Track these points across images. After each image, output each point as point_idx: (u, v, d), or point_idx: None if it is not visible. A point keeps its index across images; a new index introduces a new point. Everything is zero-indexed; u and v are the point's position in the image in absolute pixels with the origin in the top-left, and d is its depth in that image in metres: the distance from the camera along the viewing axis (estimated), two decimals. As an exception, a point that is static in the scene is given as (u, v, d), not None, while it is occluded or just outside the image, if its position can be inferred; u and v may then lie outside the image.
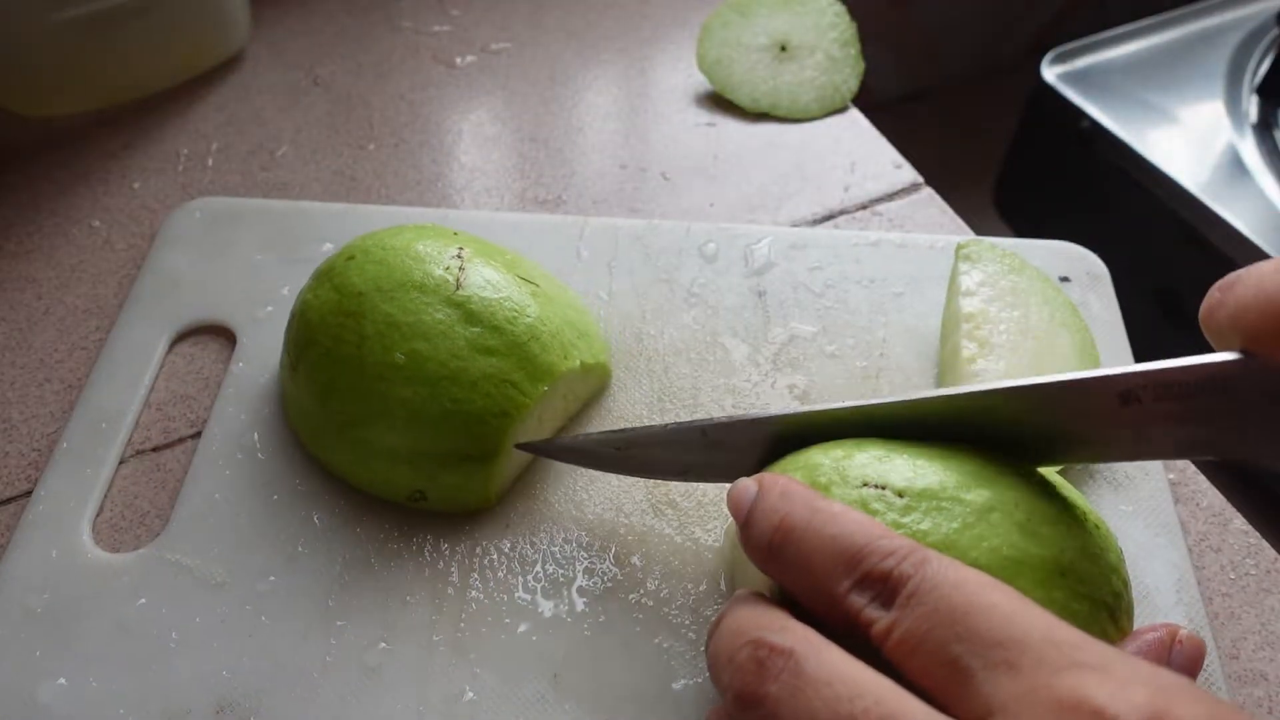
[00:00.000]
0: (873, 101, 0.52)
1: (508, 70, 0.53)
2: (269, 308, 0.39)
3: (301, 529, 0.33)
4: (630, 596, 0.32)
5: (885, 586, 0.22)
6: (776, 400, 0.37)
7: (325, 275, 0.34)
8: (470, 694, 0.30)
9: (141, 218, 0.45)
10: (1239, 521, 0.35)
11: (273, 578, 0.32)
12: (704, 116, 0.50)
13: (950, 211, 0.46)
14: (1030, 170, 0.84)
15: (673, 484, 0.35)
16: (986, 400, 0.27)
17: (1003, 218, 0.88)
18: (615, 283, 0.41)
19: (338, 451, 0.33)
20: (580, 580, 0.32)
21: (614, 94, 0.52)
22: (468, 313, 0.32)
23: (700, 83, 0.52)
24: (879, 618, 0.22)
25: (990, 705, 0.19)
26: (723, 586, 0.32)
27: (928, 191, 0.47)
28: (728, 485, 0.35)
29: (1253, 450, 0.26)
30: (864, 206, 0.46)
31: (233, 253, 0.42)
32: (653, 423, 0.36)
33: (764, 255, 0.42)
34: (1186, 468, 0.37)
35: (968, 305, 0.36)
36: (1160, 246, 0.70)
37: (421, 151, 0.49)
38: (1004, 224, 0.88)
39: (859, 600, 0.22)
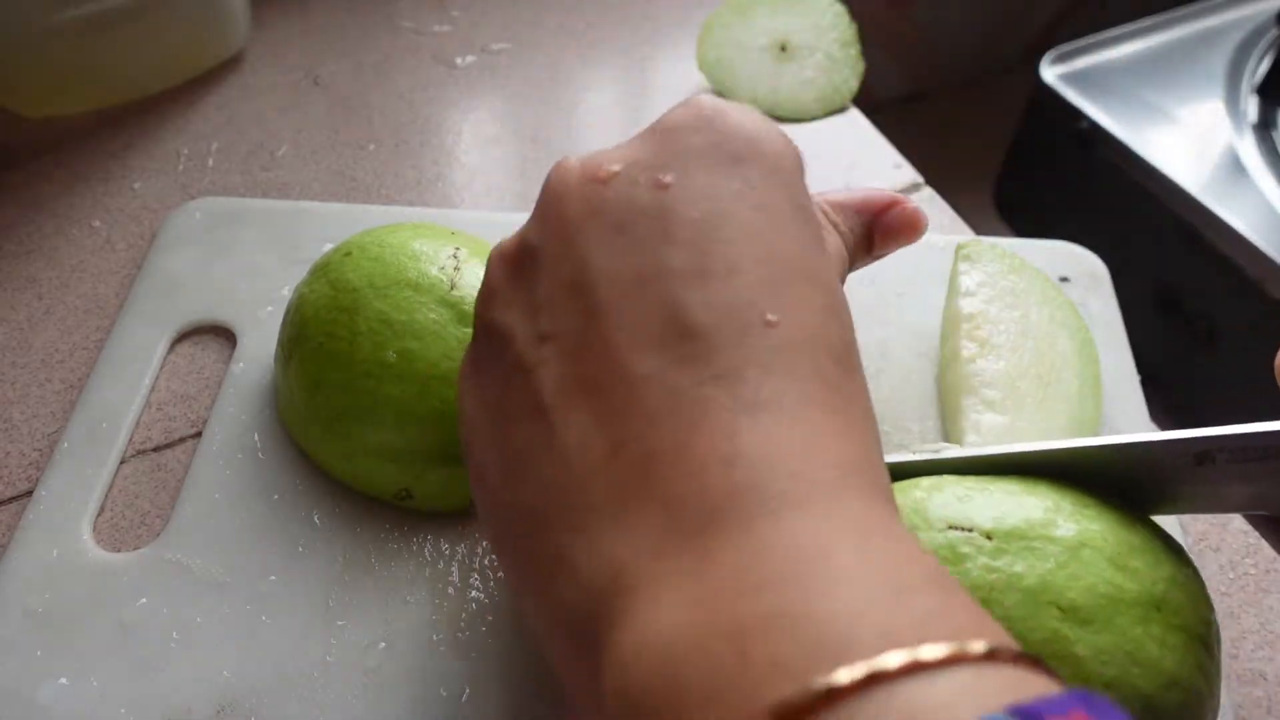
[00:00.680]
0: (873, 101, 0.52)
1: (508, 70, 0.53)
2: (269, 308, 0.39)
3: (301, 529, 0.33)
4: (630, 596, 0.32)
5: None
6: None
7: (322, 270, 0.35)
8: (470, 694, 0.30)
9: (141, 218, 0.45)
10: (1238, 522, 0.35)
11: (273, 578, 0.32)
12: (704, 116, 0.50)
13: (950, 211, 0.46)
14: (1030, 170, 0.84)
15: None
16: (1060, 456, 0.27)
17: (1003, 218, 0.88)
18: (615, 283, 0.41)
19: (325, 446, 0.33)
20: (580, 580, 0.32)
21: (614, 94, 0.52)
22: (461, 313, 0.32)
23: (700, 83, 0.52)
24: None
25: None
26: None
27: (928, 191, 0.47)
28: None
29: None
30: (864, 206, 0.46)
31: (233, 253, 0.42)
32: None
33: (764, 255, 0.42)
34: (1186, 468, 0.37)
35: (968, 305, 0.36)
36: (1160, 246, 0.70)
37: (421, 151, 0.49)
38: (1004, 224, 0.88)
39: None
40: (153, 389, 0.38)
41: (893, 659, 0.15)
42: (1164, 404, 0.47)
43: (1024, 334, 0.36)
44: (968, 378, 0.35)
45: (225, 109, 0.50)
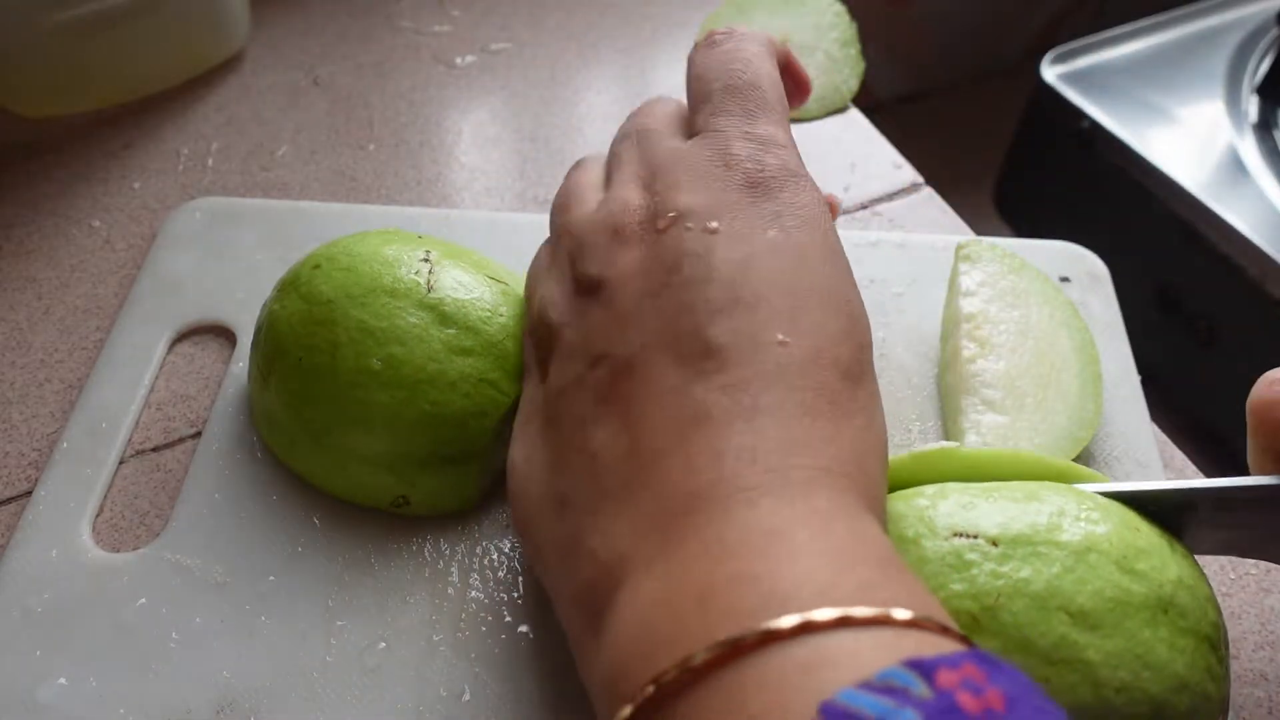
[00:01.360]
0: (873, 101, 0.52)
1: (508, 70, 0.53)
2: (269, 308, 0.39)
3: (301, 529, 0.33)
4: (630, 596, 0.32)
5: None
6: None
7: (290, 285, 0.34)
8: (470, 694, 0.30)
9: (141, 218, 0.45)
10: (1239, 521, 0.35)
11: (273, 578, 0.32)
12: (704, 116, 0.50)
13: (950, 211, 0.46)
14: (1030, 170, 0.84)
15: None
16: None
17: (1003, 218, 0.88)
18: (615, 283, 0.41)
19: (315, 461, 0.33)
20: (580, 580, 0.32)
21: (614, 94, 0.52)
22: (441, 315, 0.32)
23: (700, 83, 0.52)
24: None
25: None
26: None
27: (928, 191, 0.47)
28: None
29: None
30: (864, 206, 0.46)
31: (233, 253, 0.42)
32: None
33: (764, 255, 0.42)
34: (1186, 467, 0.37)
35: (968, 305, 0.36)
36: (1160, 246, 0.70)
37: (421, 151, 0.49)
38: (1004, 224, 0.88)
39: None
40: (152, 389, 0.38)
41: (825, 614, 0.19)
42: (1164, 404, 0.47)
43: (1024, 334, 0.36)
44: (968, 378, 0.35)
45: (225, 109, 0.50)
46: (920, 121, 0.99)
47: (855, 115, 0.50)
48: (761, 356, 0.24)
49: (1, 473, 0.36)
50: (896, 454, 0.29)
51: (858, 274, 0.41)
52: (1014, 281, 0.37)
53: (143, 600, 0.31)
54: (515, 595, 0.32)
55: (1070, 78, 0.75)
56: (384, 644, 0.31)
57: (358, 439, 0.32)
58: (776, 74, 0.31)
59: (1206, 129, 0.71)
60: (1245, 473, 0.27)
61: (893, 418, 0.37)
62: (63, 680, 0.30)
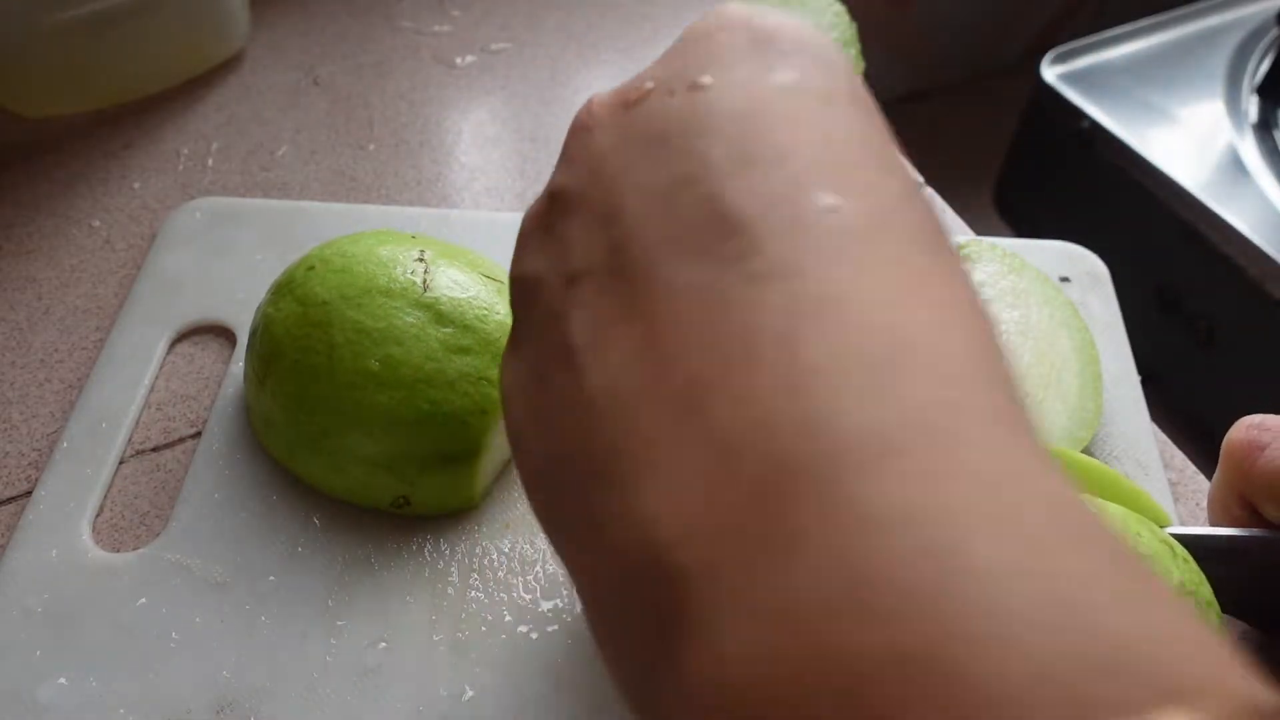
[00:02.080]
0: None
1: (508, 70, 0.53)
2: (269, 308, 0.39)
3: (301, 529, 0.33)
4: (630, 596, 0.32)
5: None
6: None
7: (285, 288, 0.34)
8: (470, 694, 0.30)
9: (141, 218, 0.45)
10: (1239, 521, 0.35)
11: (273, 578, 0.32)
12: (704, 116, 0.50)
13: (950, 211, 0.46)
14: (1030, 170, 0.84)
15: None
16: None
17: (1003, 218, 0.88)
18: (615, 283, 0.41)
19: (314, 463, 0.33)
20: (580, 580, 0.32)
21: (614, 94, 0.52)
22: (438, 314, 0.32)
23: (700, 83, 0.52)
24: None
25: None
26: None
27: (928, 191, 0.47)
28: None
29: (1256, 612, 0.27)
30: (864, 206, 0.46)
31: (233, 253, 0.42)
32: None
33: (764, 255, 0.42)
34: (1186, 467, 0.37)
35: (968, 305, 0.36)
36: (1160, 246, 0.70)
37: (421, 151, 0.49)
38: (1004, 224, 0.88)
39: None
40: (152, 389, 0.38)
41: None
42: (1164, 404, 0.47)
43: (1024, 334, 0.36)
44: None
45: (225, 109, 0.50)
46: (920, 121, 0.99)
47: (855, 115, 0.50)
48: (807, 227, 0.16)
49: (1, 473, 0.36)
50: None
51: (858, 274, 0.41)
52: (1014, 281, 0.37)
53: (143, 600, 0.31)
54: (515, 595, 0.32)
55: (1070, 78, 0.75)
56: (384, 644, 0.31)
57: (357, 440, 0.32)
58: None
59: (1206, 129, 0.71)
60: None
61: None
62: (63, 680, 0.30)
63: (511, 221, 0.43)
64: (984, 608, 0.12)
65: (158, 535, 0.33)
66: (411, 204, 0.46)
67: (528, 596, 0.32)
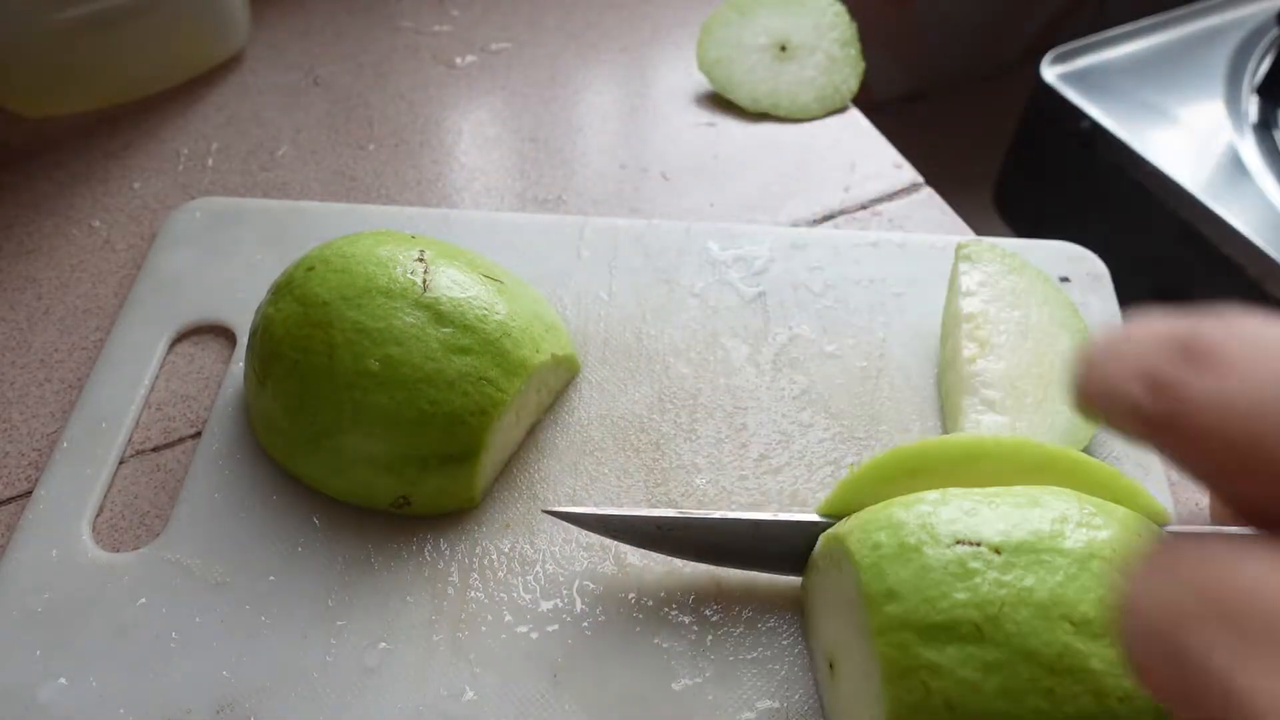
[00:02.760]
0: (873, 101, 0.52)
1: (508, 70, 0.53)
2: (269, 308, 0.39)
3: (301, 529, 0.33)
4: (630, 596, 0.32)
5: None
6: (776, 400, 0.37)
7: (285, 288, 0.34)
8: (470, 694, 0.30)
9: (141, 218, 0.45)
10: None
11: (273, 578, 0.32)
12: (704, 116, 0.50)
13: (950, 211, 0.46)
14: (1030, 170, 0.84)
15: (672, 483, 0.35)
16: None
17: (1003, 218, 0.88)
18: (615, 283, 0.41)
19: (314, 464, 0.33)
20: (580, 580, 0.32)
21: (614, 94, 0.52)
22: (438, 314, 0.32)
23: (700, 83, 0.52)
24: None
25: None
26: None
27: (928, 191, 0.47)
28: (728, 487, 0.35)
29: None
30: (864, 206, 0.46)
31: (233, 253, 0.42)
32: (667, 432, 0.36)
33: (764, 255, 0.42)
34: (1186, 468, 0.37)
35: (968, 305, 0.36)
36: (1160, 246, 0.70)
37: (421, 151, 0.49)
38: (1004, 224, 0.88)
39: None
40: (152, 389, 0.38)
41: None
42: (1164, 404, 0.47)
43: (1024, 334, 0.36)
44: (968, 378, 0.35)
45: (225, 109, 0.50)
46: (920, 121, 0.99)
47: (855, 115, 0.50)
48: None
49: (1, 473, 0.36)
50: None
51: (858, 274, 0.42)
52: (1014, 281, 0.37)
53: (143, 600, 0.31)
54: (515, 595, 0.32)
55: (1070, 78, 0.75)
56: (384, 644, 0.31)
57: (357, 440, 0.32)
58: None
59: (1206, 129, 0.71)
60: None
61: (893, 418, 0.37)
62: (63, 680, 0.30)
63: (511, 222, 0.43)
64: None
65: (157, 535, 0.33)
66: (411, 204, 0.46)
67: (528, 596, 0.32)
